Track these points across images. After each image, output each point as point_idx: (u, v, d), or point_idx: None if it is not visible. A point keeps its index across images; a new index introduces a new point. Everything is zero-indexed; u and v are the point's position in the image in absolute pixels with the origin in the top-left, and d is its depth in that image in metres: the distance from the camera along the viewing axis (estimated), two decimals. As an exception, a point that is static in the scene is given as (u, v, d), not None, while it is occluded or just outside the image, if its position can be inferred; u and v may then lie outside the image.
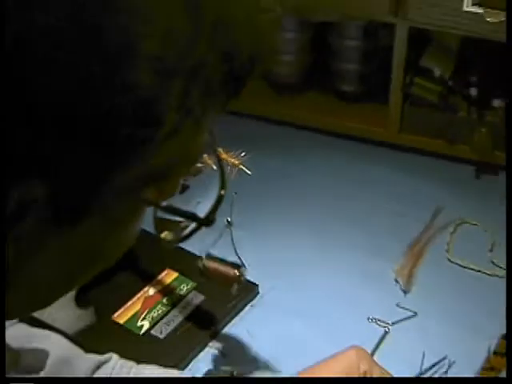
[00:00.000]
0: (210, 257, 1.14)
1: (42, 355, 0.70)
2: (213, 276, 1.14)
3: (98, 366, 1.00)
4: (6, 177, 0.51)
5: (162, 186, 0.61)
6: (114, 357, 1.02)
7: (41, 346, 0.96)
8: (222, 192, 1.06)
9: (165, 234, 1.19)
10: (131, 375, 1.02)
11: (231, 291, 1.16)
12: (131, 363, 1.03)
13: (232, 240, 1.16)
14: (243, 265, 1.17)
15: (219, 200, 1.07)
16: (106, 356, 1.01)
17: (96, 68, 0.49)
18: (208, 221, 1.11)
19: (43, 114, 0.50)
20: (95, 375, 0.99)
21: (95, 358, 1.01)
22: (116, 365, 1.02)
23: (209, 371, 1.11)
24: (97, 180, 0.54)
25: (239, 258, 1.14)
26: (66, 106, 0.50)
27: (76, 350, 1.01)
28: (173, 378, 0.98)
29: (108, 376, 1.01)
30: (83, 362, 0.99)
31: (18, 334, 0.70)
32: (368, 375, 1.03)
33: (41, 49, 0.49)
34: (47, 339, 1.01)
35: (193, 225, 0.98)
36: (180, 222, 1.20)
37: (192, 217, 1.19)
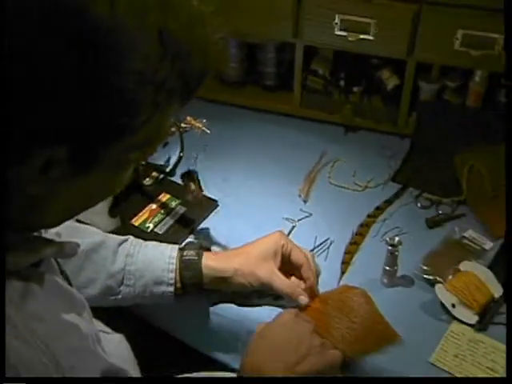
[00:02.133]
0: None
1: (75, 246, 0.67)
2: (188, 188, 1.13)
3: (121, 243, 1.00)
4: (35, 144, 0.51)
5: (144, 150, 0.62)
6: (131, 237, 1.03)
7: (80, 236, 0.94)
8: (181, 154, 1.08)
9: (146, 180, 1.22)
10: (142, 247, 1.00)
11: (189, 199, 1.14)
12: (141, 241, 1.02)
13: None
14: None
15: (179, 159, 1.09)
16: (126, 237, 1.02)
17: (98, 80, 0.50)
18: (171, 173, 1.14)
19: (69, 110, 0.51)
20: (120, 248, 0.99)
21: (119, 237, 1.01)
22: (132, 241, 1.01)
23: (188, 242, 1.12)
24: (100, 148, 0.55)
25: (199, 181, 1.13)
26: (83, 105, 0.51)
27: (107, 235, 1.00)
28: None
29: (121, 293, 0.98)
30: (112, 240, 0.99)
31: (63, 228, 0.69)
32: (284, 246, 1.01)
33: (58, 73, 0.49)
34: (88, 230, 0.99)
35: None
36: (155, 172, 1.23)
37: (161, 170, 1.20)
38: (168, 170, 1.19)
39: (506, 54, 1.06)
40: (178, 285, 0.98)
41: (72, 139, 0.52)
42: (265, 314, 1.00)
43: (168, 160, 1.26)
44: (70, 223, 0.79)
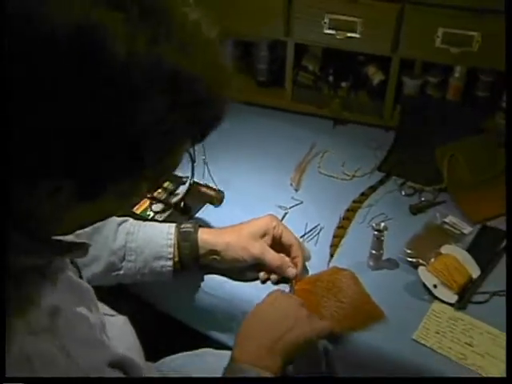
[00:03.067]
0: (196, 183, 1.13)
1: (86, 246, 0.65)
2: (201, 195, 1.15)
3: (121, 223, 0.99)
4: (42, 176, 0.49)
5: (155, 181, 0.60)
6: (130, 218, 1.02)
7: None
8: (191, 181, 1.05)
9: (154, 207, 1.17)
10: (142, 226, 1.00)
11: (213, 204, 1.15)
12: (140, 221, 1.02)
13: (208, 170, 1.17)
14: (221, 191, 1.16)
15: (189, 188, 1.06)
16: (125, 218, 1.01)
17: (106, 124, 0.47)
18: (177, 206, 1.10)
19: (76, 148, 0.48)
20: (120, 227, 0.98)
21: (118, 218, 1.00)
22: (132, 222, 1.01)
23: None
24: (108, 182, 0.52)
25: (215, 184, 1.14)
26: (89, 146, 0.48)
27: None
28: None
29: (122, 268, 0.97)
30: (112, 221, 0.98)
31: None
32: (276, 228, 1.02)
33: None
34: None
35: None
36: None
37: (168, 202, 1.16)
38: (174, 200, 1.16)
39: (506, 54, 1.07)
40: (176, 259, 0.99)
41: (79, 175, 0.50)
42: (258, 295, 1.00)
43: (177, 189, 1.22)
44: None
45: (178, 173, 1.19)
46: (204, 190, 1.16)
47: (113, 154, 0.49)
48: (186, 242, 0.99)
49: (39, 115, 0.46)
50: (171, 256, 0.98)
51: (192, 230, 1.01)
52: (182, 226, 1.01)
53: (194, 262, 1.00)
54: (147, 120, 0.48)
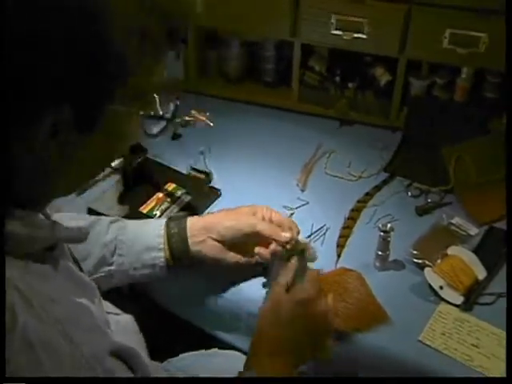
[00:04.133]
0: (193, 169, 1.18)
1: (85, 230, 0.66)
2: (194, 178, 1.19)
3: (113, 221, 0.99)
4: (43, 105, 0.52)
5: (143, 104, 0.62)
6: (123, 219, 1.02)
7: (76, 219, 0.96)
8: (177, 102, 1.07)
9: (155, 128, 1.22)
10: (133, 222, 1.01)
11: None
12: (135, 221, 1.02)
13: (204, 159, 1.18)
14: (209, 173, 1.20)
15: (176, 107, 1.06)
16: (117, 218, 1.02)
17: (84, 33, 0.51)
18: (173, 119, 1.14)
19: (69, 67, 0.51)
20: (112, 224, 0.99)
21: (111, 217, 1.02)
22: (124, 220, 1.01)
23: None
24: (99, 102, 0.56)
25: (208, 169, 1.17)
26: (75, 59, 0.51)
27: (100, 217, 1.01)
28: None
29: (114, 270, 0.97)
30: (105, 219, 0.99)
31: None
32: (265, 210, 1.03)
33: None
34: (82, 215, 0.99)
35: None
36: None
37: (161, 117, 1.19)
38: (169, 116, 1.18)
39: (506, 53, 1.07)
40: (166, 246, 0.97)
41: (71, 96, 0.53)
42: (264, 295, 1.01)
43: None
44: (63, 215, 0.82)
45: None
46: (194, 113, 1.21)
47: (98, 65, 0.53)
48: (175, 228, 0.98)
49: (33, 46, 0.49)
50: (162, 246, 0.97)
51: (182, 216, 1.01)
52: (172, 215, 1.02)
53: (183, 245, 0.98)
54: (122, 21, 0.53)
